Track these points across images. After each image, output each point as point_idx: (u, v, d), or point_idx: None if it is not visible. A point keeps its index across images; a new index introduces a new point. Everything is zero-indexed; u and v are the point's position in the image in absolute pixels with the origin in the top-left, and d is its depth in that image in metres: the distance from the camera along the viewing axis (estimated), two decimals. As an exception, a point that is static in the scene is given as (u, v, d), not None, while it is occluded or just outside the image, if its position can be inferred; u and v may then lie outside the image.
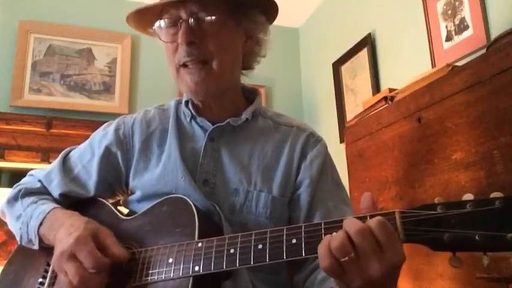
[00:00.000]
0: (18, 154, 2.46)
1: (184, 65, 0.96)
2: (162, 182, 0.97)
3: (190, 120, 1.05)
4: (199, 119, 1.03)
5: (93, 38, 2.75)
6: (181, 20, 0.94)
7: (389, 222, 0.64)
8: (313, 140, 1.04)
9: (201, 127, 1.03)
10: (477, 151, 1.20)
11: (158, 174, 0.98)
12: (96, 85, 2.72)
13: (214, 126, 1.00)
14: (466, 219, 0.61)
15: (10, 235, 2.41)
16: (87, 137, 1.12)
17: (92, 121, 2.50)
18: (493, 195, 0.60)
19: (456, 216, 0.61)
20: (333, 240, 0.65)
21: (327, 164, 1.03)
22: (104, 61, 2.76)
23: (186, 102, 1.05)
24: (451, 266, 0.62)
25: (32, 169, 1.13)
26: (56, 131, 2.51)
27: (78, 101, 2.65)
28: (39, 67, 2.62)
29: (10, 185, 2.70)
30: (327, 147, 1.07)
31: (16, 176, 2.52)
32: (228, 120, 1.00)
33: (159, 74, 2.74)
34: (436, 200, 0.64)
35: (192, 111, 1.03)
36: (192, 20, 0.93)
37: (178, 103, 1.10)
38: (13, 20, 2.61)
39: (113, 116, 1.16)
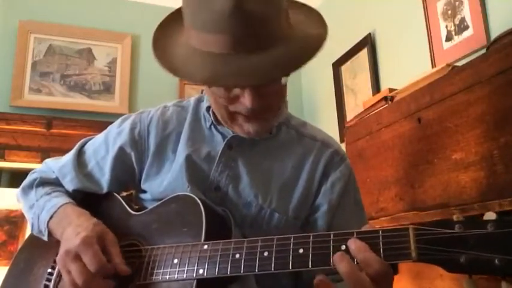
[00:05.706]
0: (18, 154, 2.46)
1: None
2: (169, 190, 0.95)
3: (210, 126, 1.01)
4: (219, 127, 0.99)
5: (93, 38, 2.75)
6: None
7: (386, 264, 0.63)
8: (337, 158, 1.00)
9: (221, 133, 0.99)
10: (477, 151, 1.20)
11: (167, 181, 0.97)
12: (96, 85, 2.71)
13: (234, 134, 0.96)
14: (486, 240, 0.56)
15: (10, 235, 2.42)
16: (87, 137, 1.12)
17: (92, 121, 2.51)
18: None
19: (475, 237, 0.56)
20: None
21: (349, 185, 1.00)
22: (104, 61, 2.76)
23: (208, 108, 1.00)
24: None
25: (32, 169, 1.12)
26: (56, 131, 2.51)
27: (78, 101, 2.65)
28: (39, 67, 2.61)
29: (10, 185, 2.69)
30: (350, 167, 1.03)
31: (16, 176, 2.52)
32: None
33: (159, 74, 2.72)
34: (454, 218, 0.60)
35: (213, 120, 0.99)
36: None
37: (199, 101, 1.06)
38: (13, 20, 2.61)
39: (113, 116, 1.15)
